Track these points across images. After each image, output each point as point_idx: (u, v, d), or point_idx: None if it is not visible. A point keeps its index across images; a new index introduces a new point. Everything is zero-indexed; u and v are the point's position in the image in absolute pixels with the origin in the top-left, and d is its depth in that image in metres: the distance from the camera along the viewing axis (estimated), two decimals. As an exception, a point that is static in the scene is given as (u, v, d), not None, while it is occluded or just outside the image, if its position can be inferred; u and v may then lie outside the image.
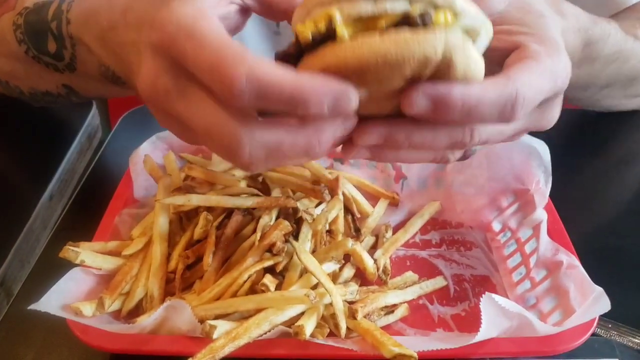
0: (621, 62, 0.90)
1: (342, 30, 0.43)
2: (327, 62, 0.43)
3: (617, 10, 1.02)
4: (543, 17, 0.57)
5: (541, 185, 0.74)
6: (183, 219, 0.73)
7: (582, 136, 0.99)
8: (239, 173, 0.77)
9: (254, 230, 0.70)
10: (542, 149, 0.74)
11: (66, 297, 0.62)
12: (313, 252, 0.70)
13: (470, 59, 0.44)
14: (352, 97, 0.43)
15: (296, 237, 0.71)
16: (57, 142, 1.02)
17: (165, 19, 0.45)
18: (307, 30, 0.44)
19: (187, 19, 0.45)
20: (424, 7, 0.43)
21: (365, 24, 0.44)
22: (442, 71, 0.43)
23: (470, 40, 0.44)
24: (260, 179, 0.78)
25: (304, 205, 0.75)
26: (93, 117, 1.10)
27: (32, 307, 0.58)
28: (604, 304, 0.59)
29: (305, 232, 0.71)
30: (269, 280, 0.63)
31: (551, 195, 0.74)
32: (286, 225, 0.68)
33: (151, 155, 0.80)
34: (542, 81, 0.50)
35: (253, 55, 0.43)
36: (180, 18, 0.45)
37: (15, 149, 1.02)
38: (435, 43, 0.42)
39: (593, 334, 0.60)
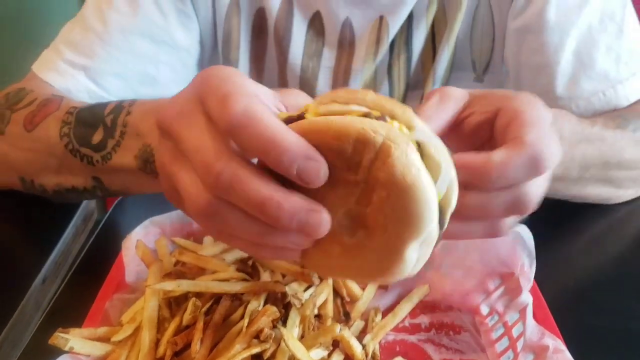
0: (586, 144, 0.92)
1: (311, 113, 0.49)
2: (295, 126, 0.48)
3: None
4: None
5: (526, 269, 0.75)
6: (172, 304, 0.74)
7: (563, 218, 1.01)
8: (229, 258, 0.78)
9: (243, 316, 0.71)
10: (526, 234, 0.76)
11: (54, 385, 0.62)
12: (301, 337, 0.71)
13: (412, 163, 0.46)
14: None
15: (285, 322, 0.71)
16: (52, 224, 1.04)
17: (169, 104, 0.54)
18: (283, 115, 0.50)
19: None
20: (382, 113, 0.47)
21: None
22: (382, 161, 0.46)
23: (416, 151, 0.47)
24: (250, 262, 0.79)
25: (293, 289, 0.76)
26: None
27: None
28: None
29: (294, 317, 0.72)
30: (254, 368, 0.63)
31: (535, 279, 0.75)
32: (274, 312, 0.68)
33: (144, 239, 0.81)
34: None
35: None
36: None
37: (11, 231, 1.03)
38: (377, 127, 0.45)
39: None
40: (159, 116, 0.54)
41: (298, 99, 0.57)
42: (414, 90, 1.20)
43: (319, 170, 0.47)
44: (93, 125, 0.86)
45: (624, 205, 1.06)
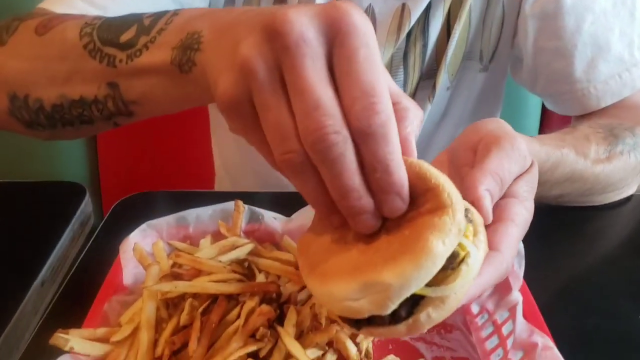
0: (570, 182, 0.96)
1: None
2: None
3: (589, 111, 1.11)
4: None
5: (515, 268, 0.77)
6: (170, 305, 0.76)
7: (552, 218, 1.03)
8: (224, 259, 0.79)
9: (239, 315, 0.72)
10: None
11: (54, 384, 0.64)
12: (298, 338, 0.72)
13: (447, 233, 0.49)
14: None
15: (281, 322, 0.73)
16: (49, 229, 1.05)
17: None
18: None
19: None
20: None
21: None
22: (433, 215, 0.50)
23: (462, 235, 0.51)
24: (245, 264, 0.81)
25: (289, 289, 0.78)
26: (86, 204, 1.13)
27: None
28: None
29: (291, 317, 0.73)
30: (250, 365, 0.65)
31: (524, 278, 0.77)
32: (269, 311, 0.70)
33: (141, 243, 0.83)
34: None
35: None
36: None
37: (8, 235, 1.04)
38: (453, 195, 0.52)
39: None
40: (277, 13, 0.48)
41: None
42: (426, 80, 1.23)
43: (401, 209, 0.51)
44: (124, 25, 0.76)
45: (613, 206, 1.09)
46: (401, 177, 0.49)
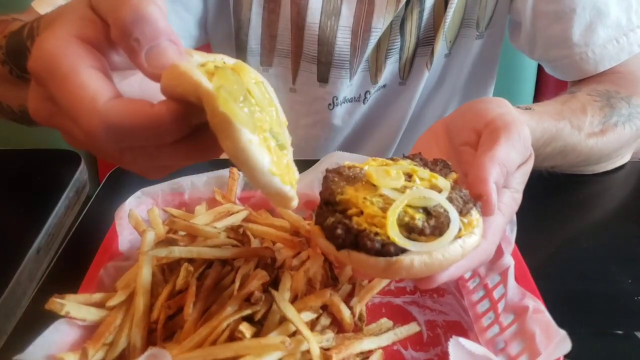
0: (562, 156, 0.98)
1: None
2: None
3: (586, 75, 1.11)
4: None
5: (507, 233, 0.78)
6: (165, 270, 0.76)
7: (545, 183, 1.04)
8: (219, 225, 0.80)
9: (234, 280, 0.73)
10: None
11: (51, 348, 0.64)
12: (293, 301, 0.73)
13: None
14: None
15: (275, 287, 0.73)
16: (45, 197, 1.05)
17: (33, 54, 0.50)
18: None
19: (49, 56, 0.49)
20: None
21: None
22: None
23: None
24: (240, 230, 0.81)
25: (283, 254, 0.78)
26: (81, 172, 1.14)
27: (17, 357, 0.60)
28: (566, 346, 0.62)
29: (285, 282, 0.74)
30: (245, 327, 0.65)
31: (517, 243, 0.77)
32: (264, 275, 0.71)
33: (136, 209, 0.83)
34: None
35: (105, 98, 0.48)
36: (44, 55, 0.49)
37: (3, 204, 1.05)
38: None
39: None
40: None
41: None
42: (424, 47, 1.22)
43: (174, 53, 0.50)
44: (20, 51, 0.79)
45: (606, 172, 1.09)
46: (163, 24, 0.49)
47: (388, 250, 0.55)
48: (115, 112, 0.47)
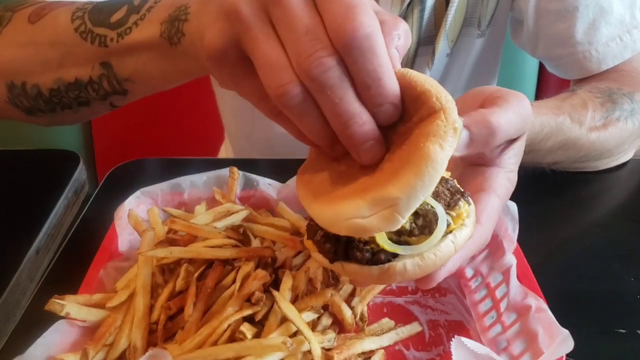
0: (563, 150, 0.97)
1: None
2: None
3: (589, 74, 1.10)
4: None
5: (509, 232, 0.77)
6: (165, 270, 0.76)
7: (547, 181, 1.03)
8: (219, 225, 0.80)
9: (234, 280, 0.72)
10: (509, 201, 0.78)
11: (51, 349, 0.64)
12: (294, 302, 0.73)
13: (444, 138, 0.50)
14: None
15: (276, 287, 0.73)
16: (44, 197, 1.05)
17: None
18: None
19: None
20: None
21: None
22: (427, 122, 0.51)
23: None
24: (241, 230, 0.81)
25: (284, 254, 0.78)
26: (80, 172, 1.13)
27: (18, 358, 0.60)
28: (569, 345, 0.62)
29: (286, 282, 0.74)
30: (246, 328, 0.65)
31: (519, 241, 0.77)
32: (264, 275, 0.70)
33: (135, 209, 0.83)
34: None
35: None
36: None
37: (2, 204, 1.04)
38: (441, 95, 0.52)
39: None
40: None
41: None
42: (425, 46, 1.22)
43: (394, 116, 0.51)
44: (115, 6, 0.79)
45: (608, 170, 1.09)
46: (394, 87, 0.50)
47: (379, 258, 0.54)
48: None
